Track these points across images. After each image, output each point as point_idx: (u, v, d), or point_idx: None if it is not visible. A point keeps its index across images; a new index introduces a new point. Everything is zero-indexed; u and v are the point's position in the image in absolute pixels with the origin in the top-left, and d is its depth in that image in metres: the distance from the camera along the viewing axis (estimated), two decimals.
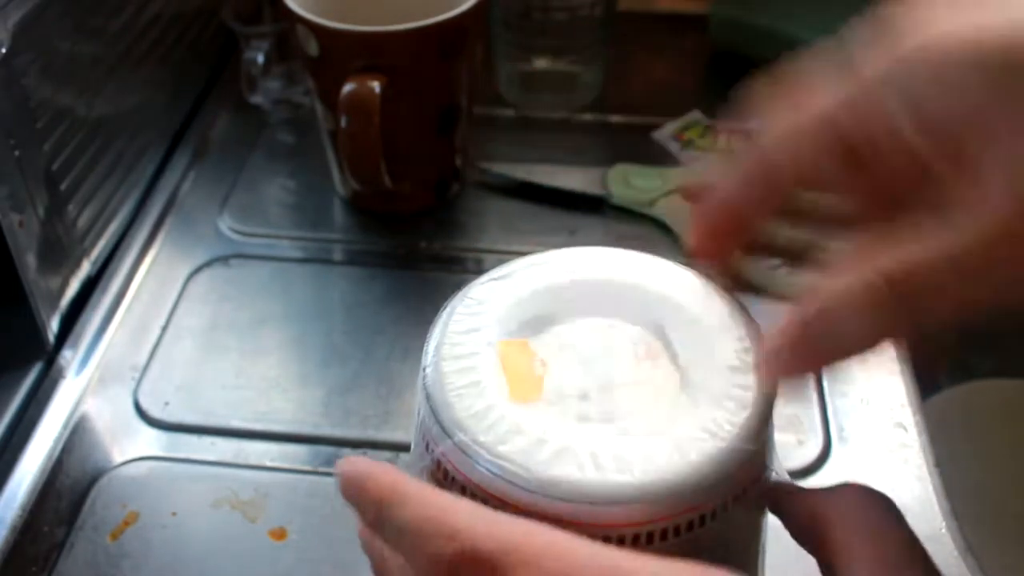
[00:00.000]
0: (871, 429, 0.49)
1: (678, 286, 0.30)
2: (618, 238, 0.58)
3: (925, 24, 0.24)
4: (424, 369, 0.28)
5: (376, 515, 0.24)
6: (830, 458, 0.47)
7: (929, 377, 0.62)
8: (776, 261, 0.58)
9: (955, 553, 0.43)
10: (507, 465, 0.25)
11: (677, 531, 0.25)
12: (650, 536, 0.24)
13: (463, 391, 0.27)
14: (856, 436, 0.48)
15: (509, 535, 0.22)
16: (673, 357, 0.28)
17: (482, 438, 0.25)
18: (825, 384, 0.51)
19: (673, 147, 0.64)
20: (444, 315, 0.29)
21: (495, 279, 0.30)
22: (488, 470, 0.25)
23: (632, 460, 0.25)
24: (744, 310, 0.29)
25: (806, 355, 0.25)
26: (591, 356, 0.28)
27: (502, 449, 0.25)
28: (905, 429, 0.49)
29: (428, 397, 0.27)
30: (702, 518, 0.25)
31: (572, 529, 0.23)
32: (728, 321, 0.29)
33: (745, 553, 0.28)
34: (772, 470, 0.28)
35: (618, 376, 0.27)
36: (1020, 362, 0.69)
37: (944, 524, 0.45)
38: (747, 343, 0.28)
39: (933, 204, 0.23)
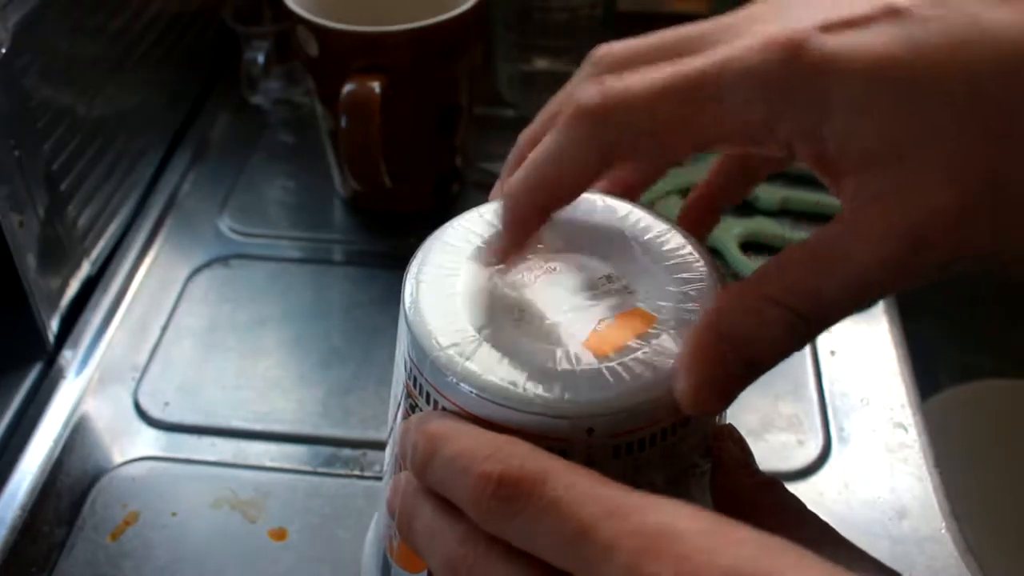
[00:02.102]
0: (871, 429, 0.49)
1: (645, 227, 0.31)
2: None
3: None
4: (405, 300, 0.29)
5: (427, 451, 0.26)
6: (830, 458, 0.47)
7: (929, 377, 0.62)
8: None
9: (955, 553, 0.43)
10: (490, 383, 0.26)
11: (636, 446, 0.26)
12: (617, 449, 0.26)
13: (442, 321, 0.28)
14: (856, 436, 0.48)
15: (552, 460, 0.24)
16: (640, 288, 0.29)
17: (460, 359, 0.26)
18: (825, 384, 0.51)
19: None
20: (422, 252, 0.30)
21: (472, 217, 0.31)
22: (470, 390, 0.26)
23: (595, 380, 0.26)
24: (703, 249, 0.30)
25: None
26: (571, 289, 0.29)
27: (480, 368, 0.26)
28: (905, 429, 0.49)
29: (409, 324, 0.28)
30: (652, 437, 0.26)
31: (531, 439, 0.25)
32: (688, 257, 0.30)
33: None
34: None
35: (597, 308, 0.28)
36: (1020, 362, 0.69)
37: (944, 524, 0.45)
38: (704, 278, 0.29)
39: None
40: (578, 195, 0.28)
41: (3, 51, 0.48)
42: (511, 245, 0.29)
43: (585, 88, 0.26)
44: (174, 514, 0.45)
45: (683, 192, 0.60)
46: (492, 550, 0.24)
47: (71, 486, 0.47)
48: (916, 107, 0.23)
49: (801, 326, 0.24)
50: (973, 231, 0.23)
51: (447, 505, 0.26)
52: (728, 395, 0.25)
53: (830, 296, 0.24)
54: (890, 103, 0.23)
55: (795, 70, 0.23)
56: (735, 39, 0.25)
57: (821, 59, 0.23)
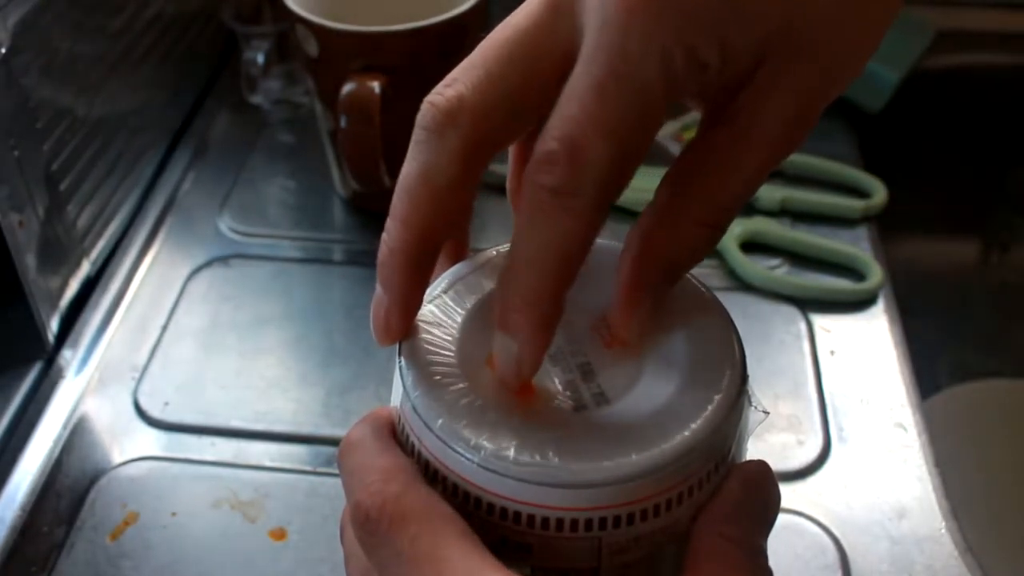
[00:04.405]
0: (871, 429, 0.49)
1: None
2: (619, 238, 0.58)
3: None
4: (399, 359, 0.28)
5: (338, 458, 0.26)
6: (830, 458, 0.47)
7: (929, 377, 0.62)
8: (776, 261, 0.58)
9: (955, 553, 0.43)
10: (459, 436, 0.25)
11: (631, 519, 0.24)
12: (602, 521, 0.24)
13: (435, 372, 0.27)
14: (856, 436, 0.48)
15: (416, 503, 0.24)
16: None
17: (439, 408, 0.25)
18: (825, 384, 0.51)
19: (673, 147, 0.64)
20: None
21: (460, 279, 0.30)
22: (439, 438, 0.25)
23: (592, 447, 0.24)
24: (701, 286, 0.29)
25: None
26: (558, 348, 0.28)
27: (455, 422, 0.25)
28: (905, 429, 0.49)
29: (403, 375, 0.27)
30: (644, 511, 0.25)
31: (500, 504, 0.24)
32: (687, 302, 0.28)
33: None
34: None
35: (594, 361, 0.27)
36: (1020, 362, 0.69)
37: (944, 524, 0.45)
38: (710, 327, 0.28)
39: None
40: (459, 213, 0.27)
41: (3, 51, 0.48)
42: (405, 292, 0.27)
43: (421, 108, 0.26)
44: (174, 514, 0.45)
45: None
46: None
47: (71, 486, 0.47)
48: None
49: (720, 235, 0.26)
50: None
51: None
52: (656, 312, 0.26)
53: (741, 201, 0.26)
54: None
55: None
56: None
57: None
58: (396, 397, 0.27)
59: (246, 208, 0.63)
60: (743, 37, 0.24)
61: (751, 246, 0.58)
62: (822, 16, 0.24)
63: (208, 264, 0.59)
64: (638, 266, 0.26)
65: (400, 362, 0.27)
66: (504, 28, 0.26)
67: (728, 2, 0.23)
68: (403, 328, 0.27)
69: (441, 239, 0.27)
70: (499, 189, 0.33)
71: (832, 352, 0.53)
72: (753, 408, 0.27)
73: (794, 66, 0.24)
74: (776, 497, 0.26)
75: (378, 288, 0.27)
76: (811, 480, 0.46)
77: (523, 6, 0.26)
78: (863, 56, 0.26)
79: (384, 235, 0.27)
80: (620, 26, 0.23)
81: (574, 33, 0.24)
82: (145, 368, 0.52)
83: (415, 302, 0.27)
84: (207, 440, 0.49)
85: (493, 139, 0.26)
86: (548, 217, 0.24)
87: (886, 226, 0.61)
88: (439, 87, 0.26)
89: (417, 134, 0.26)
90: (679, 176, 0.26)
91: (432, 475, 0.25)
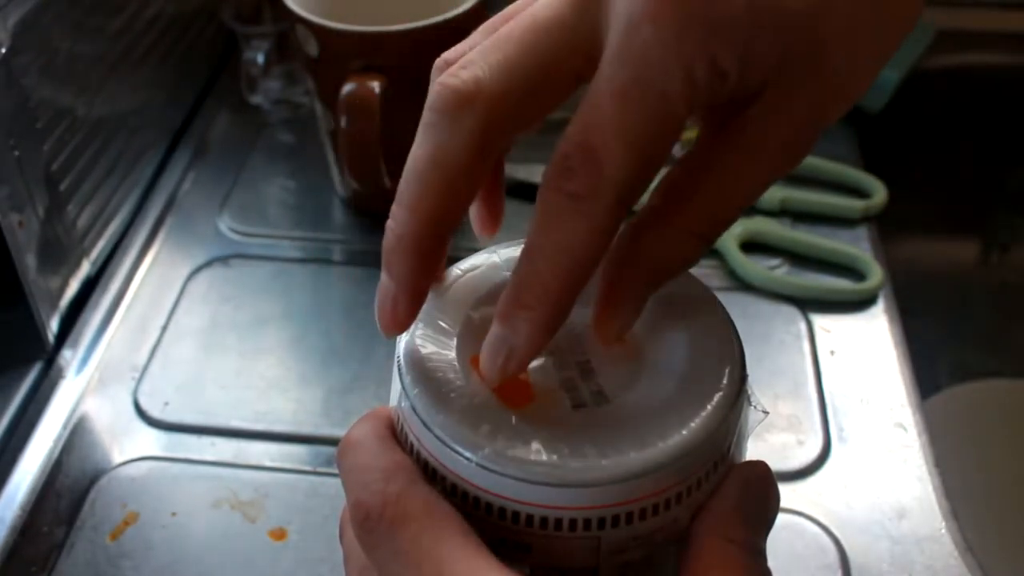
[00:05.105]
0: (871, 429, 0.49)
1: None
2: None
3: None
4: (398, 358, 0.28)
5: (337, 458, 0.26)
6: (830, 458, 0.47)
7: (929, 377, 0.62)
8: (776, 261, 0.58)
9: (955, 553, 0.43)
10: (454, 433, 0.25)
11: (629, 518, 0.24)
12: (601, 521, 0.24)
13: (434, 376, 0.27)
14: (856, 436, 0.48)
15: (417, 501, 0.24)
16: (635, 336, 0.28)
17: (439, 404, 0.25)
18: (825, 384, 0.51)
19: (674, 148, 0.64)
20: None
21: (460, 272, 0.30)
22: (436, 435, 0.25)
23: (602, 446, 0.24)
24: (701, 285, 0.29)
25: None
26: (557, 346, 0.27)
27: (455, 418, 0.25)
28: (905, 429, 0.49)
29: (401, 371, 0.27)
30: (643, 510, 0.24)
31: (498, 503, 0.24)
32: (683, 297, 0.28)
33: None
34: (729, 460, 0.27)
35: (594, 359, 0.27)
36: (1020, 362, 0.69)
37: (944, 524, 0.45)
38: (712, 325, 0.27)
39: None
40: (470, 200, 0.26)
41: (3, 51, 0.48)
42: (412, 286, 0.26)
43: (433, 89, 0.25)
44: (174, 514, 0.45)
45: None
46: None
47: (71, 486, 0.47)
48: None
49: (708, 246, 0.25)
50: None
51: None
52: (638, 315, 0.26)
53: (736, 214, 0.25)
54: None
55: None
56: None
57: None
58: (395, 397, 0.27)
59: (246, 208, 0.63)
60: (764, 50, 0.23)
61: (751, 246, 0.58)
62: (842, 29, 0.24)
63: (208, 264, 0.59)
64: (625, 270, 0.25)
65: (398, 361, 0.27)
66: (524, 16, 0.25)
67: (752, 14, 0.23)
68: (410, 317, 0.27)
69: (451, 227, 0.26)
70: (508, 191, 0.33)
71: (832, 352, 0.53)
72: (753, 408, 0.27)
73: (808, 81, 0.24)
74: (776, 498, 0.26)
75: (383, 276, 0.27)
76: (811, 480, 0.46)
77: None
78: (874, 71, 0.25)
79: (390, 222, 0.26)
80: (646, 33, 0.23)
81: (598, 32, 0.24)
82: (145, 368, 0.52)
83: (423, 291, 0.27)
84: (207, 440, 0.49)
85: (507, 128, 0.25)
86: (564, 220, 0.24)
87: (886, 226, 0.61)
88: (453, 68, 0.25)
89: (428, 116, 0.25)
90: (675, 184, 0.26)
91: (431, 475, 0.25)
